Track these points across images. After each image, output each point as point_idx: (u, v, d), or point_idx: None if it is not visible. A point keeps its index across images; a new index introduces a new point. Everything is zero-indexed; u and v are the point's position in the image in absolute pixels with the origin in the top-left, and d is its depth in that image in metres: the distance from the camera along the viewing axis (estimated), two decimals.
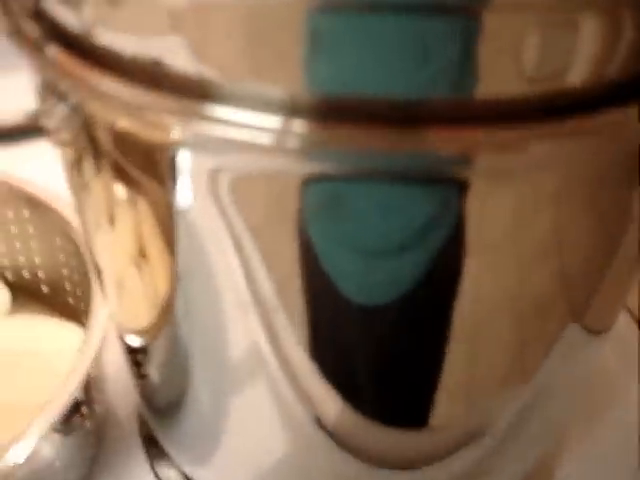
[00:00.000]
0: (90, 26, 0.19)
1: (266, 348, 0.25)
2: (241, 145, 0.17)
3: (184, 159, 0.19)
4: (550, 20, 0.16)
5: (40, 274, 0.45)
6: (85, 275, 0.39)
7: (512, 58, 0.17)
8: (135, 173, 0.21)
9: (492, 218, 0.20)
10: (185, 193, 0.21)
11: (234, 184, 0.20)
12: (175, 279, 0.25)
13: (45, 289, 0.45)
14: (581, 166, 0.20)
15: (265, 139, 0.17)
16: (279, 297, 0.23)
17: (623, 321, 0.39)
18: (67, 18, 0.19)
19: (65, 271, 0.42)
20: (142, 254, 0.26)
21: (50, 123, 0.20)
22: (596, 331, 0.28)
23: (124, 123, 0.19)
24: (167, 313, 0.27)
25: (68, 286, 0.43)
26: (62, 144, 0.21)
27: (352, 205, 0.19)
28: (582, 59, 0.17)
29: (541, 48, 0.17)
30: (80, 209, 0.28)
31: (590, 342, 0.28)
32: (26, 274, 0.45)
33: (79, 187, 0.26)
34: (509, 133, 0.17)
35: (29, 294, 0.46)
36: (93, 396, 0.35)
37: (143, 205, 0.23)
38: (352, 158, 0.18)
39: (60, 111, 0.20)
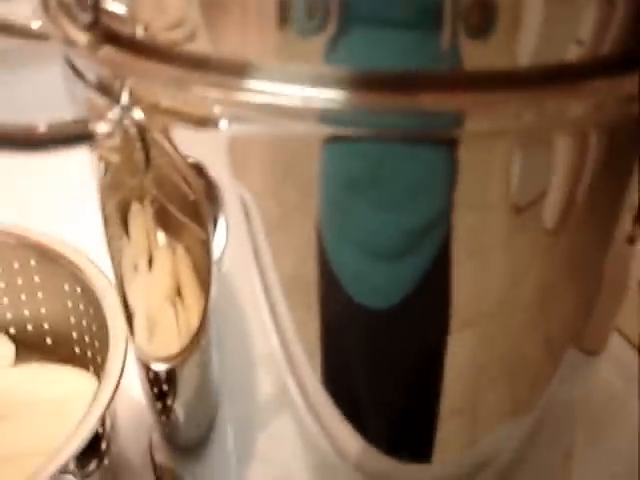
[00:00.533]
0: (144, 33, 0.21)
1: (289, 382, 0.27)
2: (276, 110, 0.20)
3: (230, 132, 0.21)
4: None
5: (45, 325, 0.45)
6: (95, 319, 0.40)
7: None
8: (182, 168, 0.23)
9: (484, 174, 0.21)
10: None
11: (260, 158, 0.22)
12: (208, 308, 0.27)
13: (49, 340, 0.45)
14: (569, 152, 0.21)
15: (296, 102, 0.20)
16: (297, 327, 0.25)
17: (618, 343, 0.39)
18: (123, 28, 0.21)
19: (73, 318, 0.43)
20: (179, 288, 0.27)
21: (101, 128, 0.21)
22: (592, 352, 0.30)
23: (177, 101, 0.21)
24: (198, 342, 0.28)
25: (75, 334, 0.43)
26: (111, 150, 0.22)
27: (366, 164, 0.21)
28: (574, 38, 0.19)
29: (534, 27, 0.19)
30: (114, 242, 0.29)
31: (587, 363, 0.30)
32: (30, 327, 0.45)
33: (118, 220, 0.27)
34: (494, 96, 0.19)
35: (31, 346, 0.45)
36: (110, 434, 0.35)
37: (186, 226, 0.25)
38: (366, 118, 0.20)
39: (112, 114, 0.21)
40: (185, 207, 0.24)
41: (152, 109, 0.21)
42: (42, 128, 0.21)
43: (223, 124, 0.21)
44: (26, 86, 0.65)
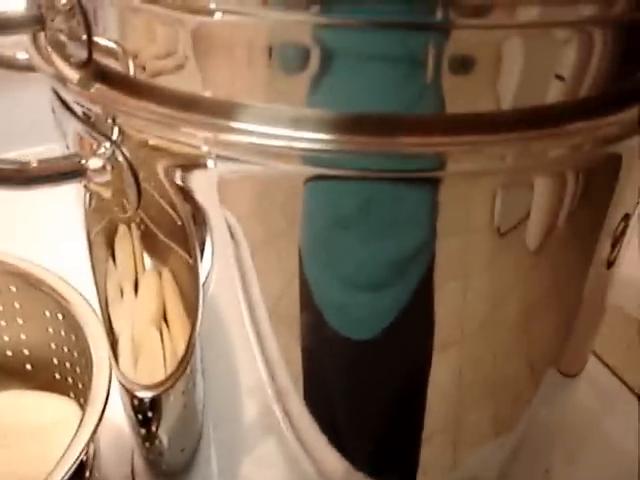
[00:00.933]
0: (134, 65, 0.21)
1: (274, 406, 0.27)
2: (262, 150, 0.20)
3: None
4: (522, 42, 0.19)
5: (25, 351, 0.45)
6: (77, 345, 0.40)
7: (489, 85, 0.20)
8: (169, 210, 0.23)
9: (467, 208, 0.22)
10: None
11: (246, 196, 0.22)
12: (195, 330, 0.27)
13: (29, 366, 0.45)
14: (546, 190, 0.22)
15: (280, 144, 0.20)
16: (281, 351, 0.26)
17: (594, 365, 0.40)
18: (116, 66, 0.21)
19: (53, 344, 0.43)
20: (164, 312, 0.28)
21: (93, 164, 0.22)
22: (571, 374, 0.31)
23: (166, 140, 0.21)
24: (184, 367, 0.29)
25: (55, 360, 0.43)
26: (102, 185, 0.22)
27: (346, 202, 0.22)
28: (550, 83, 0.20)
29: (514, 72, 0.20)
30: (100, 266, 0.29)
31: (566, 384, 0.31)
32: (9, 352, 0.45)
33: (104, 244, 0.28)
34: (473, 139, 0.20)
35: (11, 372, 0.45)
36: (93, 461, 0.35)
37: (174, 255, 0.25)
38: (349, 160, 0.21)
39: (103, 150, 0.21)
40: (172, 231, 0.24)
41: (142, 146, 0.22)
42: (33, 164, 0.21)
43: (210, 162, 0.21)
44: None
